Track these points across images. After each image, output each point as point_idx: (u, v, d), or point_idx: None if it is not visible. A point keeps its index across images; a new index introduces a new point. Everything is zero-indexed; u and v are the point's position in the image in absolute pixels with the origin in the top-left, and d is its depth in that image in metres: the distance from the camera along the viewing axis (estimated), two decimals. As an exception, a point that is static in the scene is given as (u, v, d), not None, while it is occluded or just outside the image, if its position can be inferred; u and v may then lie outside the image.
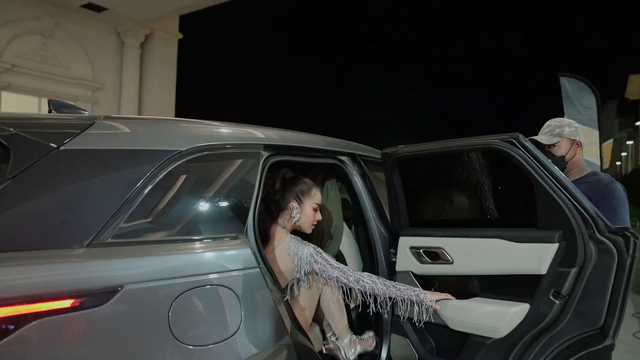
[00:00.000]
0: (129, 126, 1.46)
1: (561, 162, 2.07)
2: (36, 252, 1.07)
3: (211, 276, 1.32)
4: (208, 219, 1.47)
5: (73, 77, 12.09)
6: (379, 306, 1.84)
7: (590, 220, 1.64)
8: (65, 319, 1.03)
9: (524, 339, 1.75)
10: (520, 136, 1.73)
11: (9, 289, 0.98)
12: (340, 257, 2.55)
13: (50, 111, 1.71)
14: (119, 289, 1.11)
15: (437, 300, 1.85)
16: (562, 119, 2.17)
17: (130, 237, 1.23)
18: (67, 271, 1.08)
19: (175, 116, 13.41)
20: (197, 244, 1.37)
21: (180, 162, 1.42)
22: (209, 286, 1.30)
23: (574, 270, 1.65)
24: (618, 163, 45.76)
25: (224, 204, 1.53)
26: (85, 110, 1.83)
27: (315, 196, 2.06)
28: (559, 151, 2.09)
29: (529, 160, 1.70)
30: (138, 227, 1.26)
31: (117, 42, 13.01)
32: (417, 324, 1.91)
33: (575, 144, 2.09)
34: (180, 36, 14.11)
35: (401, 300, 1.84)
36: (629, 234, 1.60)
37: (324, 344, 2.19)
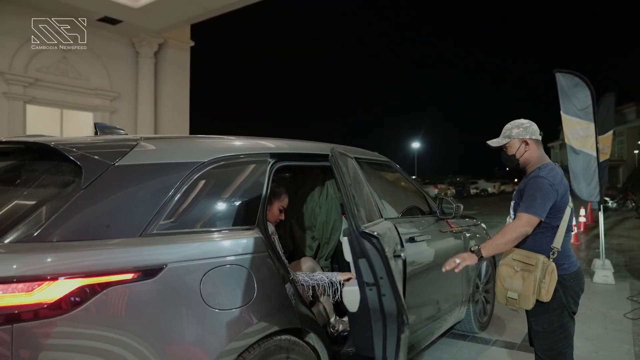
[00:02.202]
0: (163, 144, 1.86)
1: (513, 159, 2.33)
2: (105, 241, 1.47)
3: (230, 258, 1.71)
4: (227, 214, 1.86)
5: (92, 88, 12.65)
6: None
7: (356, 221, 1.95)
8: (128, 287, 1.43)
9: (376, 318, 2.04)
10: (334, 148, 2.08)
11: (90, 266, 1.38)
12: (340, 247, 2.93)
13: (96, 133, 2.12)
14: (164, 266, 1.51)
15: (345, 280, 2.34)
16: (515, 120, 2.38)
17: (169, 229, 1.62)
18: (128, 254, 1.48)
19: (190, 121, 13.81)
20: (220, 234, 1.77)
21: (204, 170, 1.81)
22: (229, 265, 1.70)
23: (361, 261, 1.95)
24: (636, 152, 45.04)
25: (239, 202, 1.92)
26: (123, 129, 2.23)
27: (284, 201, 2.53)
28: (510, 150, 2.32)
29: (335, 168, 2.03)
30: (175, 221, 1.65)
31: (132, 52, 13.53)
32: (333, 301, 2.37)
33: (524, 142, 2.29)
34: (192, 44, 14.55)
35: (317, 285, 2.33)
36: (371, 234, 1.90)
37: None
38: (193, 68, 14.66)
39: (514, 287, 2.18)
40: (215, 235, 1.75)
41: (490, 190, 39.29)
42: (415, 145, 52.04)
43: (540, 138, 2.35)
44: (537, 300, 2.15)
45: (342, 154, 2.15)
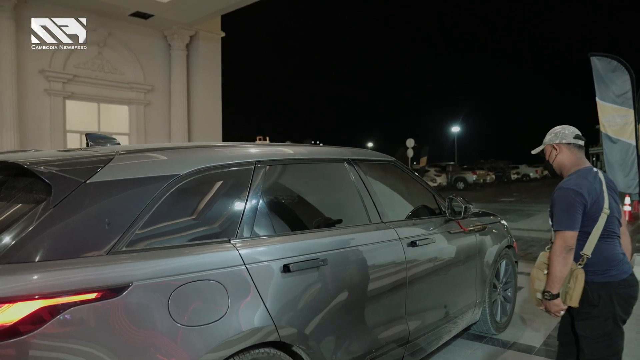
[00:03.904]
0: (140, 157, 1.86)
1: (548, 164, 2.47)
2: (72, 260, 1.48)
3: (203, 273, 1.69)
4: (203, 228, 1.84)
5: (126, 81, 13.05)
6: None
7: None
8: (93, 306, 1.44)
9: None
10: (252, 158, 2.13)
11: (55, 285, 1.39)
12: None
13: (87, 144, 2.16)
14: (130, 284, 1.51)
15: None
16: (553, 128, 2.48)
17: (138, 245, 1.62)
18: (94, 272, 1.48)
19: (222, 110, 14.05)
20: (193, 249, 1.75)
21: (180, 184, 1.80)
22: (199, 281, 1.67)
23: None
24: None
25: (217, 215, 1.90)
26: (116, 139, 2.27)
27: None
28: (546, 156, 2.49)
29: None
30: (144, 238, 1.65)
31: (165, 45, 13.82)
32: None
33: (554, 148, 2.42)
34: (223, 34, 14.69)
35: None
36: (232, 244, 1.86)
37: None
38: (225, 59, 14.82)
39: (541, 289, 2.29)
40: (189, 250, 1.73)
41: (532, 175, 37.84)
42: (455, 129, 50.85)
43: (574, 142, 2.37)
44: (582, 304, 2.21)
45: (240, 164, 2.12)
